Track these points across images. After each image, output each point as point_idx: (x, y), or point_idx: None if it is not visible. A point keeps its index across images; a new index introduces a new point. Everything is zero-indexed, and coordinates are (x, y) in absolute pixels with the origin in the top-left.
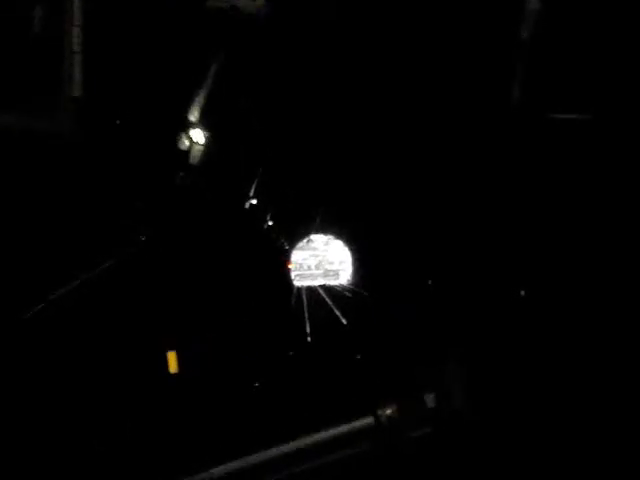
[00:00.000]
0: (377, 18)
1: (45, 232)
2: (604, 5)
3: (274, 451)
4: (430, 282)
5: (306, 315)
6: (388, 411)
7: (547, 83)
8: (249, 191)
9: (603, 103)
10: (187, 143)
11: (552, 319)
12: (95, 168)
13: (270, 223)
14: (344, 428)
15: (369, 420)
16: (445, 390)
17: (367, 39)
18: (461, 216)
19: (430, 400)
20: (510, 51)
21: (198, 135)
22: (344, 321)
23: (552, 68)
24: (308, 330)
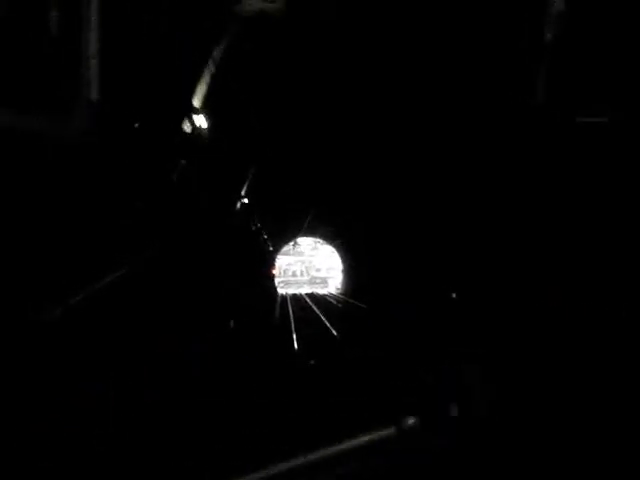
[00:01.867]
0: (394, 18)
1: (59, 232)
2: (627, 6)
3: (295, 462)
4: (454, 294)
5: (292, 324)
6: (410, 421)
7: (571, 85)
8: (240, 189)
9: (628, 105)
10: (190, 128)
11: (574, 319)
12: (110, 169)
13: (257, 224)
14: (366, 438)
15: (391, 430)
16: (467, 399)
17: (386, 39)
18: (467, 218)
19: (453, 409)
20: (535, 52)
21: (201, 120)
22: (335, 333)
23: (576, 70)
24: (295, 341)
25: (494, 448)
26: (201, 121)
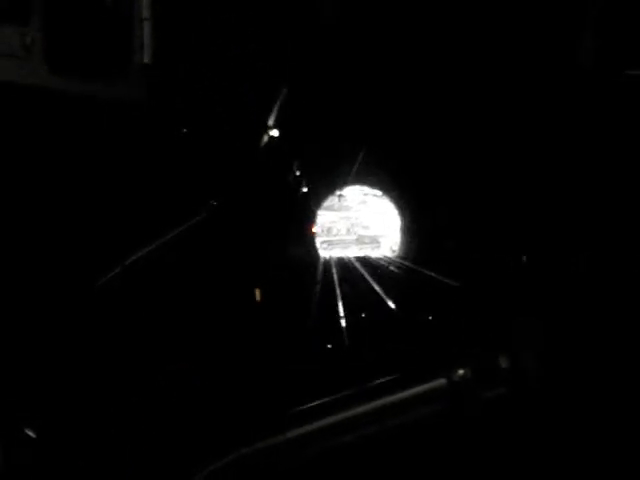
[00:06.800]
0: None
1: (104, 197)
2: None
3: (344, 414)
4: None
5: (337, 288)
6: (461, 372)
7: (621, 38)
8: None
9: None
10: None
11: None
12: (165, 134)
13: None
14: (415, 390)
15: (441, 382)
16: (519, 350)
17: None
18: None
19: (504, 361)
20: (584, 4)
21: (275, 132)
22: (392, 305)
23: (627, 22)
24: (340, 303)
25: (544, 405)
26: (275, 133)
